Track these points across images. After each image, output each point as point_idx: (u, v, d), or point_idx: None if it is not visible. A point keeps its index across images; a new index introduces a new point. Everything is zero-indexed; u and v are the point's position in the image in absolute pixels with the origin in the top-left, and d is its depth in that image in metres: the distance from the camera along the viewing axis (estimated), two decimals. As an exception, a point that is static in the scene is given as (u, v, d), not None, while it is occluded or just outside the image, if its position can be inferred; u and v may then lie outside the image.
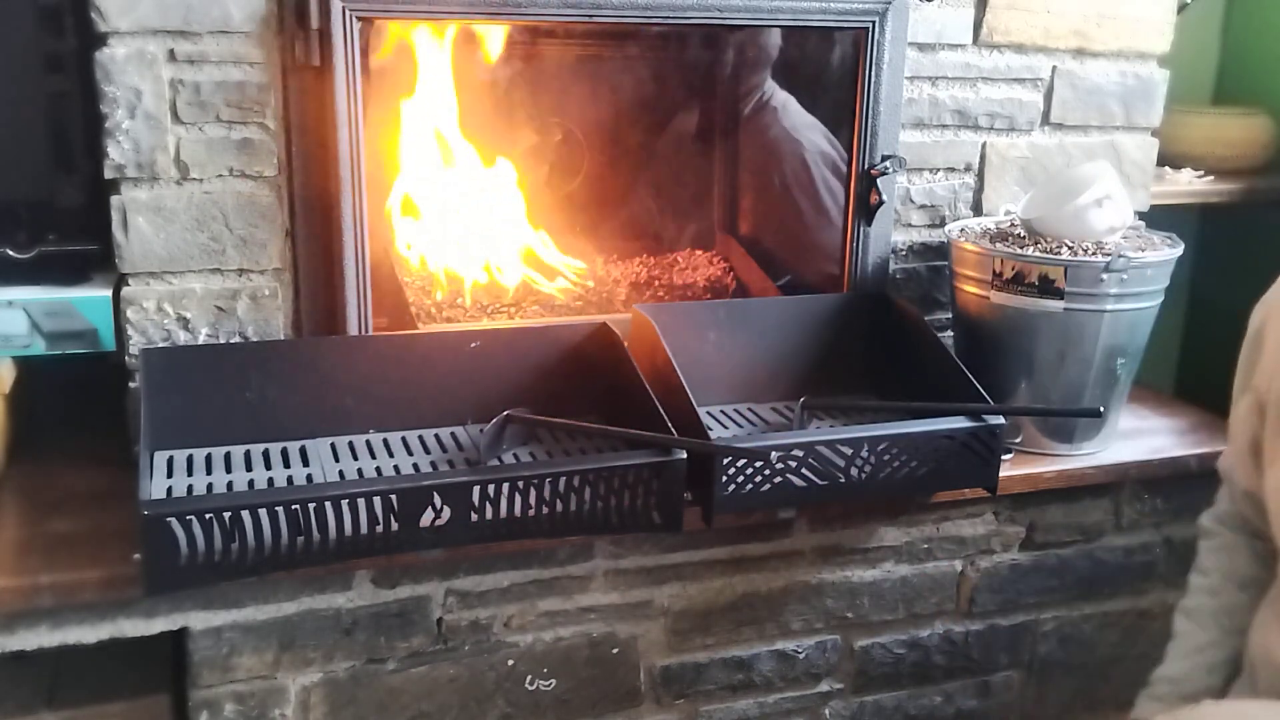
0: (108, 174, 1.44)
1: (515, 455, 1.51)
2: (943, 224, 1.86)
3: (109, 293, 1.48)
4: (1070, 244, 1.66)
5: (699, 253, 2.11)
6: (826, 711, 1.71)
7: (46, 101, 1.51)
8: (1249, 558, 1.33)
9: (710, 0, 1.60)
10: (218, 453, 1.47)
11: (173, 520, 1.19)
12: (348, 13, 1.44)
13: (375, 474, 1.43)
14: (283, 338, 1.55)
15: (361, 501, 1.26)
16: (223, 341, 1.52)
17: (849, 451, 1.47)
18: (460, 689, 1.50)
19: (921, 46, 1.77)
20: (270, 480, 1.40)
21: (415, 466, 1.46)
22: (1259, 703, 1.16)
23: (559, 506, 1.35)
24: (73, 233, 1.52)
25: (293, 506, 1.24)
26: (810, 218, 1.94)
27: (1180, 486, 1.79)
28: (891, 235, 1.82)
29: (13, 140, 1.48)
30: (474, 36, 1.79)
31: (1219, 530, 1.37)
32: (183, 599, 1.34)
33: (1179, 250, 1.70)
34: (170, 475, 1.40)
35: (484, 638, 1.49)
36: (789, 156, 1.96)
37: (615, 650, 1.56)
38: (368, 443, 1.52)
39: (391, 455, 1.49)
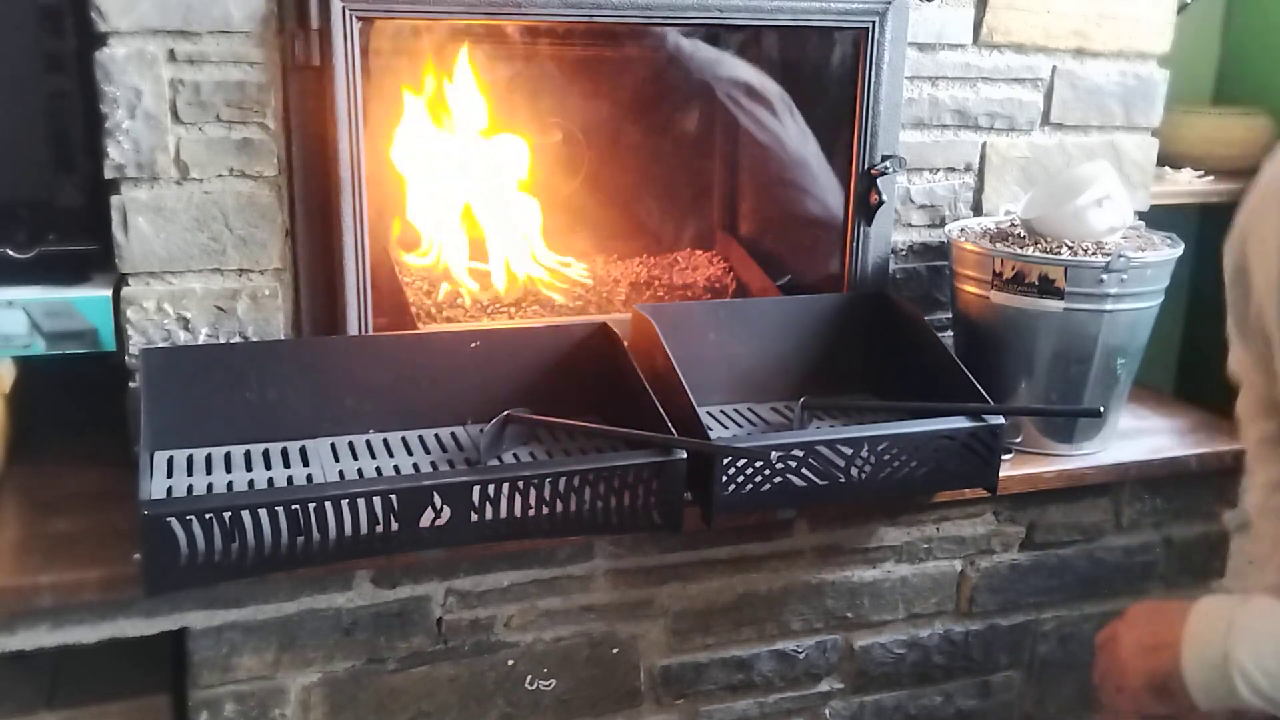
0: (108, 174, 1.44)
1: (515, 455, 1.51)
2: (943, 224, 1.86)
3: (109, 293, 1.47)
4: (1070, 244, 1.65)
5: (699, 253, 2.11)
6: (826, 711, 1.71)
7: (46, 101, 1.52)
8: None
9: (710, 0, 1.60)
10: (218, 453, 1.47)
11: (173, 520, 1.19)
12: (348, 13, 1.44)
13: (375, 474, 1.43)
14: (283, 338, 1.55)
15: (361, 501, 1.26)
16: (223, 341, 1.52)
17: (849, 451, 1.47)
18: (460, 689, 1.50)
19: (921, 46, 1.77)
20: (270, 480, 1.40)
21: (415, 466, 1.46)
22: None
23: (559, 506, 1.35)
24: (73, 233, 1.52)
25: (293, 506, 1.24)
26: (807, 224, 1.93)
27: (1180, 486, 1.78)
28: (891, 235, 1.82)
29: (13, 140, 1.49)
30: (474, 36, 1.79)
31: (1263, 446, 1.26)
32: (183, 599, 1.34)
33: (1179, 250, 1.70)
34: (170, 475, 1.40)
35: (484, 638, 1.49)
36: (784, 163, 1.96)
37: (615, 650, 1.56)
38: (368, 443, 1.52)
39: (391, 455, 1.50)
